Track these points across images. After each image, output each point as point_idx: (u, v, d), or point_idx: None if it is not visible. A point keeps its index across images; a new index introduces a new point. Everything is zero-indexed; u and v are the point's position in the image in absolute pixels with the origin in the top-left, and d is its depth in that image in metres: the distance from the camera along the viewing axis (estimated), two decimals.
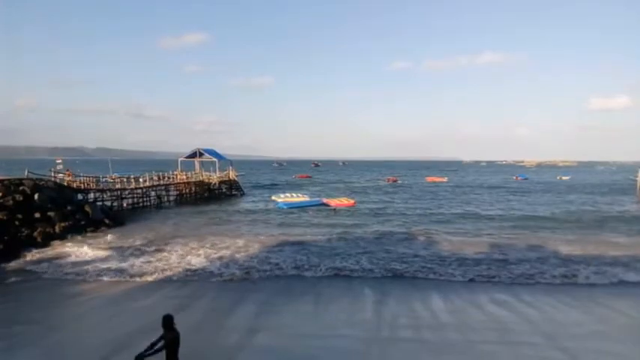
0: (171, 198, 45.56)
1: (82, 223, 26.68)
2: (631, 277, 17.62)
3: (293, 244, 23.81)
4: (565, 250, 22.15)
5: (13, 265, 19.65)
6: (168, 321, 7.39)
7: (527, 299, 14.80)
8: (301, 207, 43.95)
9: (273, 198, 50.11)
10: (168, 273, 18.13)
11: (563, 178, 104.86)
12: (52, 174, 30.85)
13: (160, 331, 7.25)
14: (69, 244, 23.22)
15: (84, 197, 31.80)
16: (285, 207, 43.08)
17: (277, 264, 19.46)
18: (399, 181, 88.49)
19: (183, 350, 7.29)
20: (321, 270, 18.68)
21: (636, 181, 64.83)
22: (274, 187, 66.40)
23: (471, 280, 17.31)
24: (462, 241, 24.73)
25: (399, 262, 19.69)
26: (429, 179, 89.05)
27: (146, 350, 7.17)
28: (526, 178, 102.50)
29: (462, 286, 16.48)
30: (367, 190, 64.74)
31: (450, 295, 15.29)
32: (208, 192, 52.34)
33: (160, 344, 7.26)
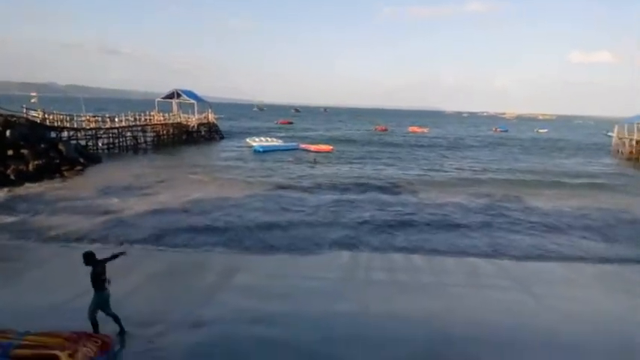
0: (148, 139, 44.63)
1: (56, 161, 26.08)
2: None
3: (270, 191, 23.73)
4: (536, 203, 22.75)
5: None
6: (90, 257, 7.87)
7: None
8: (278, 151, 44.12)
9: (248, 141, 49.41)
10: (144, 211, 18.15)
11: (541, 131, 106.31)
12: (24, 110, 29.74)
13: None
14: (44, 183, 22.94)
15: (57, 135, 30.92)
16: (261, 150, 42.96)
17: (257, 209, 19.43)
18: (389, 129, 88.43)
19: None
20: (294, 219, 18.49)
21: (611, 137, 65.69)
22: (254, 133, 65.16)
23: (446, 226, 17.76)
24: (439, 192, 25.14)
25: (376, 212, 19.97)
26: (412, 129, 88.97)
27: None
28: (506, 130, 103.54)
29: (437, 233, 16.89)
30: (354, 139, 63.39)
31: (426, 241, 15.69)
32: (186, 134, 51.45)
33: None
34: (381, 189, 25.38)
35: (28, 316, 8.39)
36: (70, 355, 6.14)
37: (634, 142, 49.57)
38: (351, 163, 37.22)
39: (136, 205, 18.86)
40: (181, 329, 8.61)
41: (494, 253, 14.57)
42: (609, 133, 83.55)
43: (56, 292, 10.02)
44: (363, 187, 25.78)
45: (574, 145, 66.99)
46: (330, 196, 22.69)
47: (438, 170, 34.50)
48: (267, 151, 43.31)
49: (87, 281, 7.90)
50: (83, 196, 20.24)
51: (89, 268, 7.87)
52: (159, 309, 9.45)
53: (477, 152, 50.00)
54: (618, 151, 53.43)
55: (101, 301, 7.93)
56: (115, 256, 8.25)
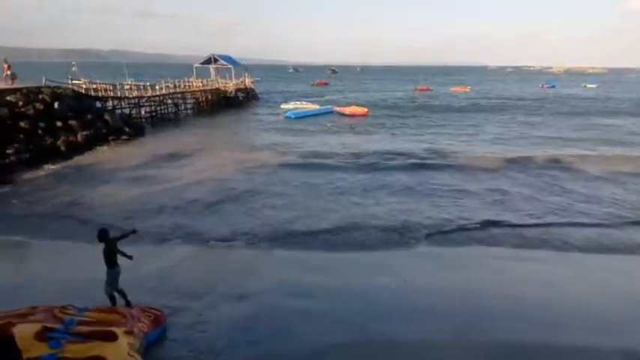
0: (189, 106, 45.34)
1: (104, 131, 27.02)
2: None
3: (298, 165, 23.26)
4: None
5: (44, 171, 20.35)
6: (104, 234, 8.12)
7: None
8: (312, 116, 43.54)
9: (283, 106, 49.24)
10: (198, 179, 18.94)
11: (589, 86, 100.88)
12: (70, 81, 30.74)
13: None
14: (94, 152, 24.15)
15: (102, 105, 31.85)
16: (292, 117, 42.16)
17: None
18: (432, 90, 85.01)
19: None
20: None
21: None
22: (290, 96, 64.38)
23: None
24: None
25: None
26: (453, 89, 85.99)
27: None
28: (553, 86, 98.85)
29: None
30: (394, 102, 59.73)
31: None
32: (225, 100, 51.91)
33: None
34: (430, 167, 22.09)
35: (75, 292, 8.85)
36: (126, 332, 6.56)
37: None
38: (390, 130, 34.89)
39: (177, 178, 19.26)
40: (228, 302, 8.99)
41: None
42: None
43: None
44: (405, 163, 22.87)
45: (624, 102, 62.15)
46: (362, 178, 20.01)
47: (485, 140, 30.35)
48: (299, 117, 42.43)
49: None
50: (132, 167, 21.13)
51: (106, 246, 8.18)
52: (205, 282, 9.87)
53: (524, 116, 45.24)
54: None
55: (114, 277, 8.21)
56: (125, 235, 8.50)
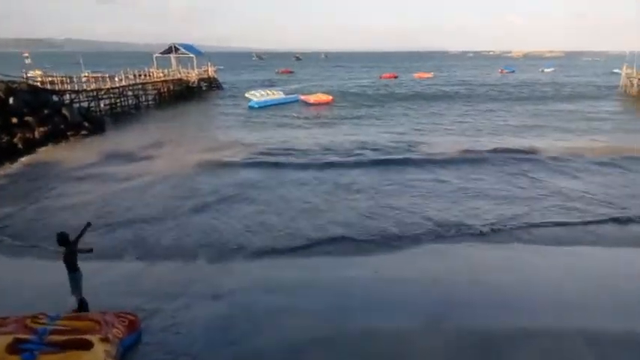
0: (150, 98, 44.22)
1: (62, 127, 26.11)
2: None
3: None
4: None
5: None
6: (65, 238, 8.01)
7: None
8: (276, 105, 43.20)
9: (248, 95, 48.07)
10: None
11: (546, 70, 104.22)
12: (25, 75, 29.50)
13: None
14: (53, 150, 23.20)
15: (59, 99, 30.69)
16: (256, 106, 41.63)
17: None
18: (398, 77, 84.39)
19: None
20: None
21: (619, 75, 63.77)
22: (255, 85, 63.05)
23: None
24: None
25: None
26: (417, 75, 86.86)
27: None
28: (513, 71, 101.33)
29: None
30: (360, 90, 58.70)
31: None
32: (187, 90, 50.92)
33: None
34: (398, 163, 21.19)
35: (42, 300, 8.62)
36: (101, 340, 6.54)
37: None
38: (357, 121, 34.14)
39: (138, 177, 18.57)
40: (202, 302, 9.02)
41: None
42: (615, 70, 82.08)
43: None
44: (371, 158, 22.05)
45: (577, 86, 63.83)
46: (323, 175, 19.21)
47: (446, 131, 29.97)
48: (263, 106, 41.88)
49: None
50: (91, 164, 20.45)
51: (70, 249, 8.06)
52: (178, 283, 9.86)
53: (487, 103, 45.40)
54: (626, 92, 52.27)
55: (77, 281, 8.06)
56: (83, 232, 8.34)
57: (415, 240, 12.49)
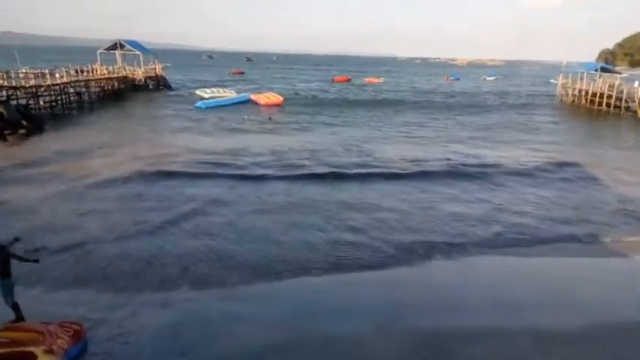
0: (93, 96, 42.43)
1: None
2: None
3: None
4: None
5: None
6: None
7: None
8: (225, 106, 42.09)
9: (198, 93, 47.21)
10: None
11: (488, 79, 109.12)
12: None
13: None
14: None
15: None
16: (204, 107, 40.28)
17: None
18: (351, 80, 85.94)
19: None
20: None
21: (554, 84, 68.15)
22: (205, 86, 60.66)
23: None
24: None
25: None
26: (368, 80, 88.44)
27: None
28: (457, 79, 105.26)
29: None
30: (313, 94, 57.10)
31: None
32: (133, 88, 49.33)
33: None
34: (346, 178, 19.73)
35: None
36: (45, 352, 6.33)
37: (577, 92, 51.98)
38: (306, 127, 32.94)
39: (77, 181, 17.54)
40: (150, 310, 8.86)
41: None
42: (551, 80, 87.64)
43: None
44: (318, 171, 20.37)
45: (518, 95, 66.36)
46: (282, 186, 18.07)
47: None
48: (211, 107, 40.59)
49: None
50: (27, 166, 19.31)
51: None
52: (124, 290, 9.63)
53: (434, 110, 45.53)
54: (562, 101, 55.92)
55: (10, 288, 7.76)
56: (24, 259, 7.93)
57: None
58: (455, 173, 20.87)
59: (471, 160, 23.32)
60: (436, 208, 15.97)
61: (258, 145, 25.34)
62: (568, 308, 9.80)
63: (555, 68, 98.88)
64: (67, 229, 12.83)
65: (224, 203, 15.67)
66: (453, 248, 12.67)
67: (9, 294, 7.72)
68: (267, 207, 15.59)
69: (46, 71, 36.60)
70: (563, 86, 56.78)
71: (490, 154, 25.23)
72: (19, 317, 7.71)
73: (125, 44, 51.97)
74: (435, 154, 24.67)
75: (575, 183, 19.96)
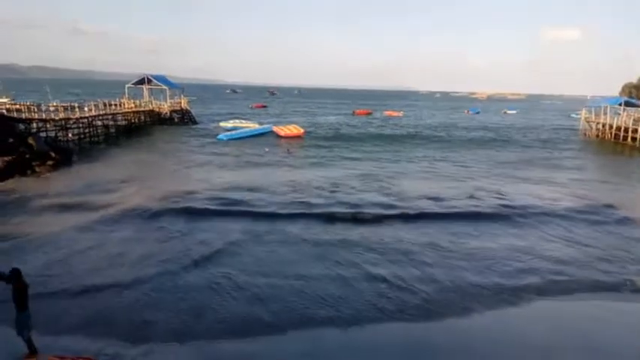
0: (120, 129, 43.58)
1: (27, 156, 25.39)
2: None
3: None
4: None
5: None
6: (16, 274, 7.66)
7: None
8: (246, 137, 43.32)
9: (222, 124, 49.28)
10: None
11: (509, 112, 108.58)
12: None
13: None
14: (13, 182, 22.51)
15: (26, 127, 29.99)
16: (224, 139, 41.51)
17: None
18: (372, 113, 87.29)
19: None
20: None
21: (577, 119, 67.42)
22: (228, 119, 59.95)
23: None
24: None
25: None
26: (387, 113, 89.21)
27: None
28: (478, 112, 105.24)
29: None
30: (336, 127, 57.40)
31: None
32: (159, 122, 50.70)
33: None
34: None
35: None
36: None
37: (600, 126, 51.21)
38: (328, 161, 32.78)
39: (101, 216, 17.62)
40: (165, 349, 8.76)
41: None
42: (573, 114, 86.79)
43: None
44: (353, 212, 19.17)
45: (540, 129, 65.20)
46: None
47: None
48: (232, 139, 41.81)
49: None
50: (53, 198, 19.75)
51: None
52: (142, 323, 9.60)
53: (455, 146, 43.83)
54: (585, 135, 55.02)
55: (27, 321, 7.71)
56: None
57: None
58: (480, 214, 19.60)
59: (496, 199, 22.21)
60: (462, 252, 14.96)
61: (277, 180, 25.01)
62: None
63: (578, 102, 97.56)
64: (86, 265, 12.86)
65: (241, 244, 15.09)
66: (503, 294, 11.99)
67: (25, 327, 7.71)
68: (290, 248, 14.88)
69: (75, 104, 37.94)
70: (587, 120, 55.99)
71: (515, 191, 24.20)
72: (33, 351, 7.70)
73: (152, 79, 53.69)
74: (457, 190, 23.84)
75: (608, 225, 18.66)
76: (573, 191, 24.88)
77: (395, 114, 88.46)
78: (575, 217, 19.56)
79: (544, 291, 12.23)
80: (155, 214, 17.91)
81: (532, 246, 15.76)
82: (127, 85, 53.12)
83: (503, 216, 19.42)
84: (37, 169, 25.13)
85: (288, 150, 36.14)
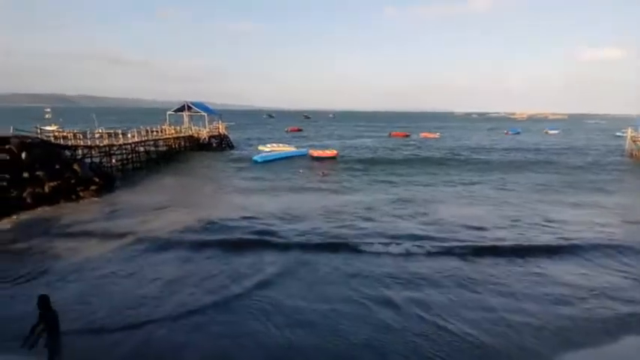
0: (161, 154, 44.89)
1: (72, 182, 26.34)
2: None
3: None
4: None
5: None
6: (44, 301, 7.55)
7: None
8: (281, 159, 44.53)
9: (260, 148, 52.19)
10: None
11: (550, 132, 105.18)
12: (38, 130, 30.28)
13: None
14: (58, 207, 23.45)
15: (72, 154, 31.23)
16: (260, 161, 42.82)
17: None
18: (410, 135, 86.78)
19: None
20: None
21: (622, 137, 64.63)
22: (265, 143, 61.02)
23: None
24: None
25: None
26: (423, 135, 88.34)
27: (29, 336, 7.33)
28: (518, 133, 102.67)
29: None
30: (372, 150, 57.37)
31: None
32: (198, 147, 51.97)
33: (40, 327, 7.41)
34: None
35: None
36: None
37: None
38: (361, 184, 32.67)
39: (140, 244, 17.87)
40: None
41: None
42: (618, 133, 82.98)
43: None
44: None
45: (584, 149, 62.86)
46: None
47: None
48: (267, 160, 43.30)
49: None
50: (97, 220, 20.40)
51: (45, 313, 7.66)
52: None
53: (496, 169, 41.91)
54: (632, 155, 52.45)
55: (59, 349, 7.64)
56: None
57: None
58: (528, 248, 17.72)
59: (543, 228, 20.71)
60: (507, 293, 13.64)
61: (310, 207, 24.51)
62: None
63: (623, 121, 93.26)
64: (121, 299, 12.80)
65: (278, 279, 14.52)
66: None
67: (57, 354, 7.65)
68: (328, 286, 14.16)
69: (119, 131, 39.41)
70: (633, 139, 53.39)
71: (563, 219, 22.41)
72: None
73: (192, 106, 55.46)
74: (500, 219, 22.41)
75: None
76: (625, 218, 23.06)
77: (431, 136, 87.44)
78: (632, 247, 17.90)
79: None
80: (194, 245, 17.80)
81: (599, 286, 14.27)
82: (168, 113, 55.01)
83: (554, 248, 17.89)
84: (81, 194, 25.99)
85: (322, 173, 36.08)
